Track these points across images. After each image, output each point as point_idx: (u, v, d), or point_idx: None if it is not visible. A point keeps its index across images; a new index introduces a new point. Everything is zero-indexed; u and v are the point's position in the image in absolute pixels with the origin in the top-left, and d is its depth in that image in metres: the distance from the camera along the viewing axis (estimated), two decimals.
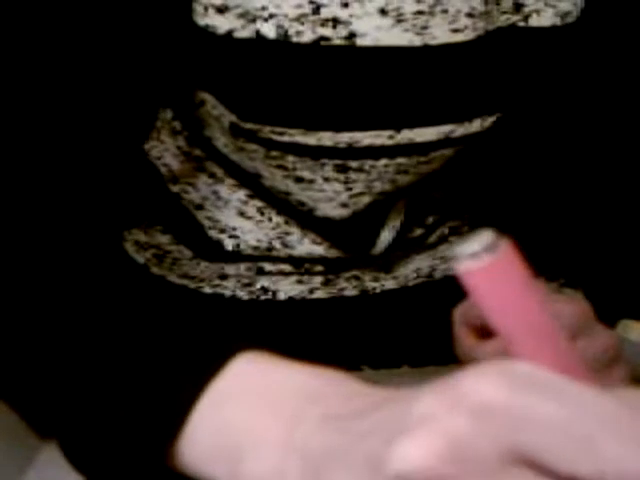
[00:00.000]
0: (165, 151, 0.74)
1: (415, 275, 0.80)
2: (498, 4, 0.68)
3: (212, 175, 0.73)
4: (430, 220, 0.78)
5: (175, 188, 0.74)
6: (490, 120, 0.70)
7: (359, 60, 0.64)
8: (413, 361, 0.78)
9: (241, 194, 0.73)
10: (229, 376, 0.43)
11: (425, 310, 0.80)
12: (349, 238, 0.75)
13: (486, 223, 0.82)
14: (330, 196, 0.71)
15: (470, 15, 0.66)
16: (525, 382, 0.32)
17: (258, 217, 0.74)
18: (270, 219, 0.74)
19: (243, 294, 0.77)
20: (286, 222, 0.74)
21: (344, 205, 0.72)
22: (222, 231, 0.74)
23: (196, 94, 0.69)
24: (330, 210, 0.72)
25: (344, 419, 0.39)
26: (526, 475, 0.31)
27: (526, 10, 0.68)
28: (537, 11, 0.69)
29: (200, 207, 0.74)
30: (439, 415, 0.33)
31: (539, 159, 0.80)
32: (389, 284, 0.78)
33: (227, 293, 0.77)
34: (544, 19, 0.69)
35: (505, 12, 0.68)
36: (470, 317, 0.58)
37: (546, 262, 0.71)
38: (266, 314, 0.77)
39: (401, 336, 0.82)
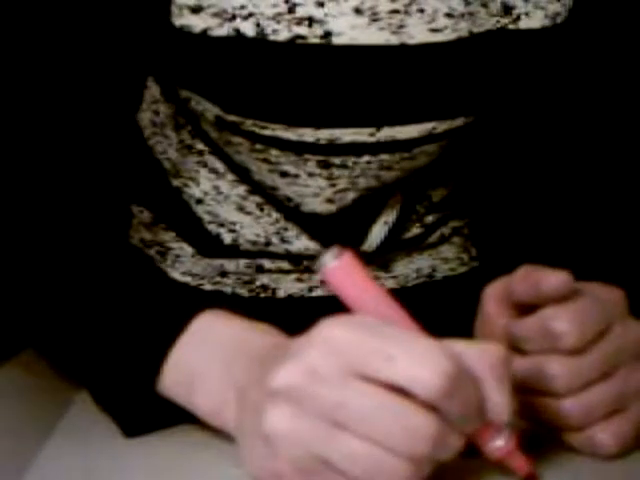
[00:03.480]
0: (169, 146, 0.75)
1: (415, 275, 0.79)
2: (486, 7, 0.68)
3: (213, 170, 0.74)
4: (429, 219, 0.78)
5: (177, 182, 0.75)
6: (473, 117, 0.70)
7: (336, 58, 0.65)
8: None
9: (241, 189, 0.74)
10: (191, 330, 0.57)
11: (425, 310, 0.80)
12: (340, 234, 0.75)
13: (488, 224, 0.83)
14: (315, 191, 0.71)
15: (449, 15, 0.66)
16: (361, 325, 0.49)
17: (257, 212, 0.74)
18: (269, 215, 0.74)
19: (243, 291, 0.77)
20: (284, 218, 0.74)
21: (330, 201, 0.72)
22: (221, 225, 0.75)
23: (180, 91, 0.70)
24: (316, 206, 0.72)
25: (260, 360, 0.53)
26: (363, 386, 0.47)
27: (515, 12, 0.68)
28: (527, 13, 0.69)
29: (200, 201, 0.75)
30: (303, 350, 0.49)
31: (534, 157, 0.80)
32: (389, 284, 0.78)
33: (227, 290, 0.77)
34: (534, 21, 0.69)
35: (494, 15, 0.68)
36: (506, 294, 0.57)
37: (551, 260, 0.71)
38: (266, 311, 0.77)
39: None
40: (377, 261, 0.78)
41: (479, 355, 0.49)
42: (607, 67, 0.76)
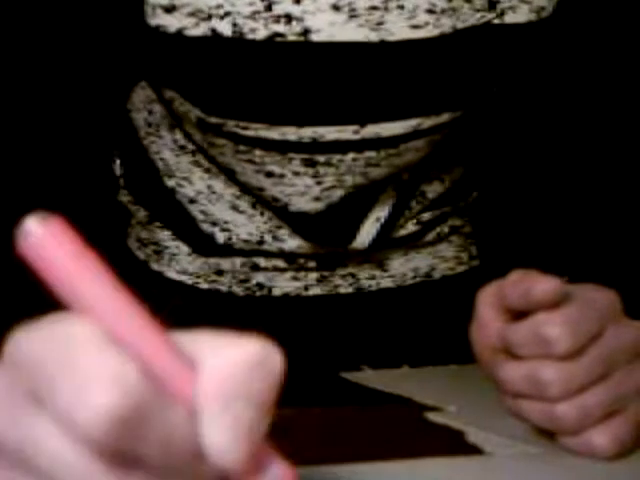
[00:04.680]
0: (163, 146, 0.75)
1: (413, 274, 0.79)
2: (469, 1, 0.67)
3: (207, 170, 0.74)
4: (425, 217, 0.78)
5: (171, 182, 0.75)
6: (460, 112, 0.70)
7: (315, 56, 0.65)
8: (413, 361, 0.78)
9: (235, 189, 0.74)
10: None
11: (422, 310, 0.80)
12: (331, 231, 0.74)
13: (488, 221, 0.83)
14: (302, 190, 0.71)
15: (430, 12, 0.65)
16: (47, 338, 0.32)
17: (251, 211, 0.74)
18: (262, 213, 0.74)
19: (239, 290, 0.77)
20: (277, 217, 0.74)
21: (317, 199, 0.71)
22: (214, 224, 0.75)
23: (165, 92, 0.70)
24: (304, 204, 0.72)
25: None
26: (39, 413, 0.31)
27: (500, 7, 0.68)
28: (512, 8, 0.68)
29: (194, 201, 0.75)
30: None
31: (527, 151, 0.79)
32: (385, 282, 0.78)
33: (223, 289, 0.77)
34: (520, 16, 0.69)
35: (478, 10, 0.68)
36: (499, 298, 0.57)
37: (550, 260, 0.71)
38: (262, 310, 0.77)
39: (400, 336, 0.82)
40: (373, 259, 0.77)
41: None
42: (594, 60, 0.75)
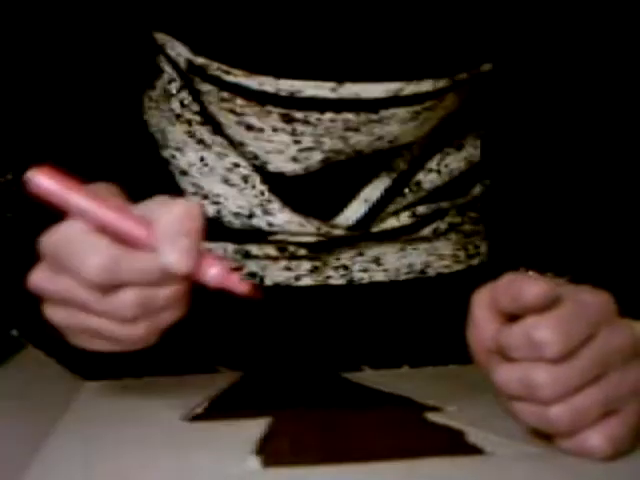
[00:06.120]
0: (162, 117, 0.76)
1: (407, 270, 0.79)
2: None
3: (201, 141, 0.75)
4: (421, 210, 0.78)
5: (166, 153, 0.77)
6: (443, 82, 0.70)
7: (299, 6, 0.65)
8: (413, 361, 0.78)
9: (227, 162, 0.75)
10: None
11: (414, 306, 0.79)
12: (320, 205, 0.75)
13: (490, 220, 0.82)
14: (279, 148, 0.71)
15: None
16: (59, 233, 0.56)
17: (242, 185, 0.75)
18: (253, 186, 0.75)
19: None
20: (268, 190, 0.74)
21: (295, 159, 0.72)
22: (205, 197, 0.75)
23: (156, 37, 0.71)
24: (282, 164, 0.72)
25: None
26: (62, 274, 0.56)
27: None
28: None
29: (185, 173, 0.76)
30: None
31: (532, 144, 0.78)
32: (378, 276, 0.78)
33: None
34: None
35: None
36: (494, 301, 0.57)
37: (553, 258, 0.70)
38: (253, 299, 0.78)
39: (399, 335, 0.82)
40: (367, 252, 0.77)
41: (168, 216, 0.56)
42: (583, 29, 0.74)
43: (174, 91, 0.75)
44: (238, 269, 0.77)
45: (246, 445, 0.58)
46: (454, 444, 0.57)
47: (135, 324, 0.57)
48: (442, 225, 0.79)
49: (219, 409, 0.65)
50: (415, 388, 0.68)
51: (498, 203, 0.81)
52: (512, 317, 0.55)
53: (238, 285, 0.58)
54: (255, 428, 0.60)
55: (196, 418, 0.64)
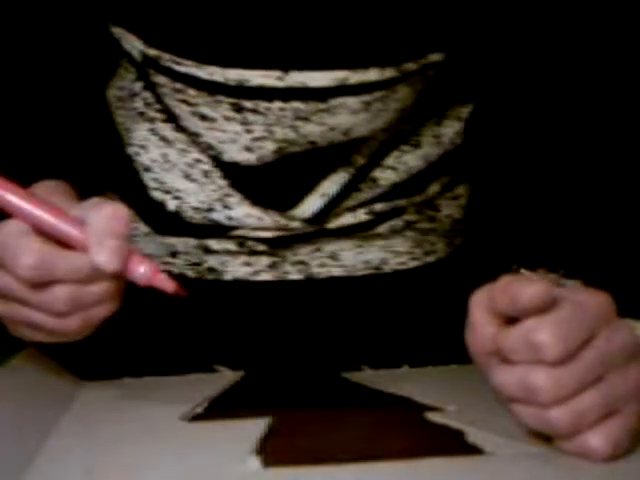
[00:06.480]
0: (127, 117, 0.78)
1: (363, 266, 0.80)
2: None
3: (163, 138, 0.76)
4: (378, 207, 0.78)
5: (130, 150, 0.78)
6: (391, 70, 0.70)
7: None
8: (413, 361, 0.78)
9: (189, 158, 0.76)
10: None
11: (372, 301, 0.80)
12: (278, 199, 0.75)
13: (473, 215, 0.82)
14: (232, 137, 0.72)
15: None
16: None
17: (203, 180, 0.76)
18: (214, 182, 0.75)
19: (191, 273, 0.78)
20: (228, 185, 0.75)
21: (248, 149, 0.72)
22: (166, 192, 0.76)
23: (113, 30, 0.73)
24: (235, 154, 0.73)
25: None
26: (3, 270, 0.61)
27: None
28: None
29: (148, 169, 0.77)
30: None
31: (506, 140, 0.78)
32: (336, 271, 0.79)
33: (175, 271, 0.78)
34: None
35: None
36: (492, 302, 0.56)
37: (547, 253, 0.70)
38: (212, 294, 0.78)
39: (398, 335, 0.82)
40: (324, 248, 0.78)
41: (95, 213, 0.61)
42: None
43: (138, 90, 0.77)
44: (198, 264, 0.78)
45: (246, 445, 0.57)
46: (454, 444, 0.57)
47: (68, 318, 0.62)
48: (399, 223, 0.79)
49: (219, 409, 0.65)
50: (415, 388, 0.68)
51: (481, 198, 0.81)
52: (510, 319, 0.55)
53: (165, 283, 0.62)
54: (255, 428, 0.60)
55: (196, 418, 0.64)
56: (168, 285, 0.62)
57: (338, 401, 0.68)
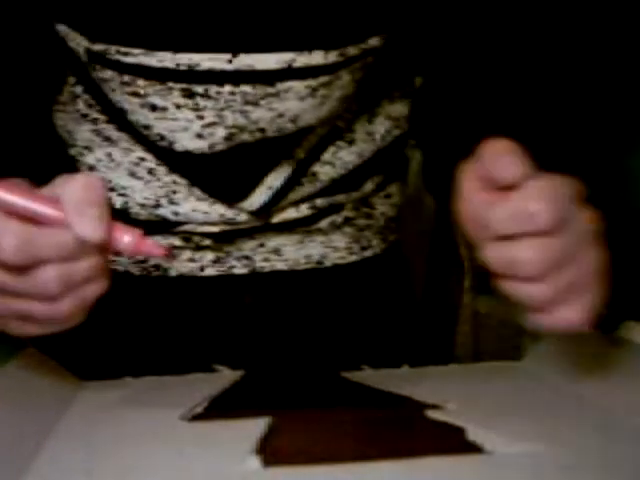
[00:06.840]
0: (69, 119, 0.78)
1: (305, 260, 0.81)
2: None
3: (107, 138, 0.77)
4: (319, 203, 0.79)
5: (73, 151, 0.78)
6: (334, 54, 0.70)
7: None
8: (413, 361, 0.78)
9: (133, 157, 0.76)
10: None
11: (314, 295, 0.81)
12: (226, 193, 0.76)
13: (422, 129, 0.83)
14: (184, 125, 0.72)
15: None
16: None
17: (148, 177, 0.76)
18: (159, 179, 0.76)
19: (135, 270, 0.79)
20: (173, 182, 0.76)
21: (200, 136, 0.72)
22: (112, 190, 0.77)
23: (58, 29, 0.72)
24: (188, 142, 0.73)
25: None
26: None
27: None
28: None
29: (93, 168, 0.77)
30: None
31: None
32: (279, 265, 0.80)
33: (120, 269, 0.79)
34: None
35: None
36: (482, 171, 0.57)
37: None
38: (157, 290, 0.79)
39: (398, 335, 0.82)
40: (267, 243, 0.79)
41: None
42: None
43: (79, 92, 0.77)
44: (143, 261, 0.79)
45: (246, 445, 0.58)
46: (454, 442, 0.57)
47: (59, 301, 0.58)
48: (338, 218, 0.81)
49: (219, 409, 0.66)
50: (415, 388, 0.68)
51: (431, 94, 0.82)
52: (499, 188, 0.57)
53: (153, 249, 0.60)
54: (255, 428, 0.60)
55: (196, 418, 0.64)
56: (157, 250, 0.60)
57: (338, 401, 0.68)
